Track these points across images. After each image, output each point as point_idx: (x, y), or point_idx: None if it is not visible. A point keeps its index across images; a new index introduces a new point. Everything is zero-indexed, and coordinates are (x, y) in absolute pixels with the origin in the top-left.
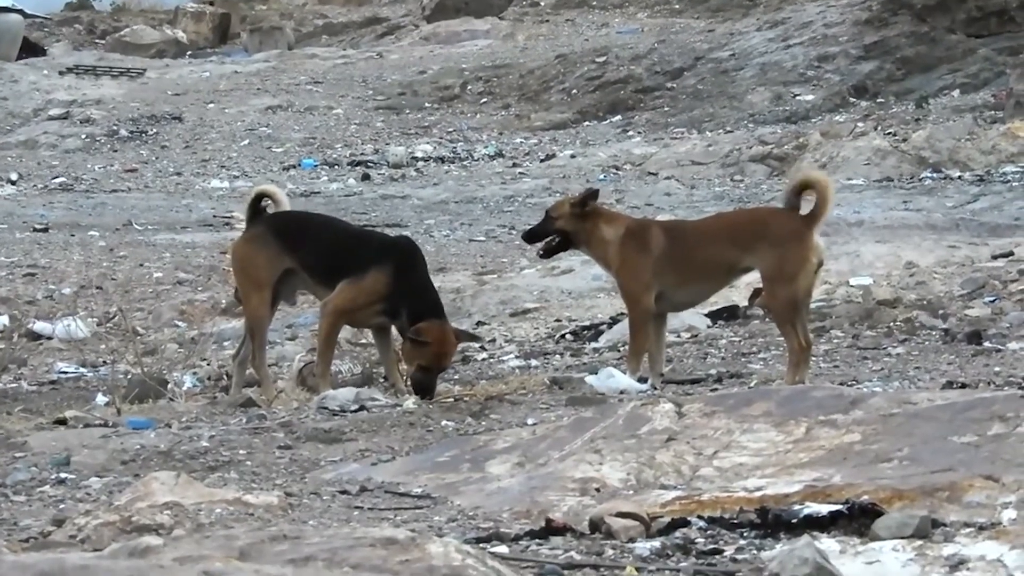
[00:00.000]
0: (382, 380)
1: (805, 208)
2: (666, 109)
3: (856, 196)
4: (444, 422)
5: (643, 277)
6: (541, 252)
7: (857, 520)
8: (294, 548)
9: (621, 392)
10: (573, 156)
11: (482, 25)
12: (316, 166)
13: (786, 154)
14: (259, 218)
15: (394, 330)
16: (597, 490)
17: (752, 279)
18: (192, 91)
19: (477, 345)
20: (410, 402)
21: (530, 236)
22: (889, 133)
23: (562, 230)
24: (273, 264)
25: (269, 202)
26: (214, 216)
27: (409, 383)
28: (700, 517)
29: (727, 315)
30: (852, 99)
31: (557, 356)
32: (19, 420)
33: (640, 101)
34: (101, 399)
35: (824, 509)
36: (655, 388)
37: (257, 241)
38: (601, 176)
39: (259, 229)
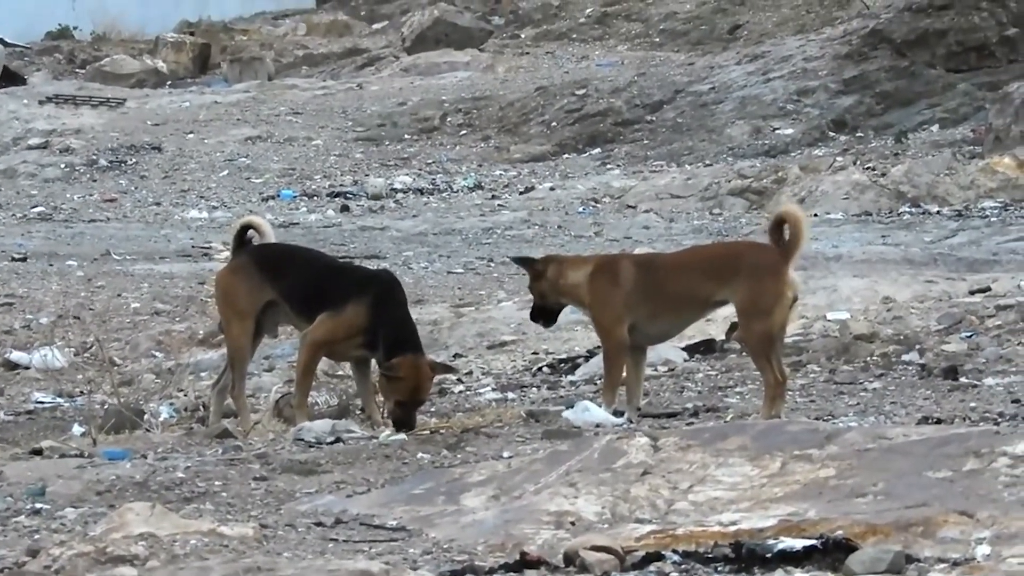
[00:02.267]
0: (359, 412)
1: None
2: (645, 142)
3: (834, 230)
4: (420, 454)
5: (615, 310)
6: (544, 325)
7: (831, 555)
8: None
9: (597, 425)
10: (552, 188)
11: (462, 57)
12: (295, 197)
13: (765, 188)
14: (243, 249)
15: (373, 362)
16: (572, 523)
17: (729, 313)
18: (172, 121)
19: (454, 377)
20: (385, 434)
21: (533, 316)
22: (868, 167)
23: (539, 295)
24: (255, 295)
25: (254, 233)
26: (193, 246)
27: (388, 417)
28: (675, 551)
29: (704, 349)
30: (831, 133)
31: (534, 389)
32: None
33: (619, 134)
34: (77, 429)
35: (798, 544)
36: (631, 422)
37: (240, 272)
38: (580, 209)
39: (242, 260)
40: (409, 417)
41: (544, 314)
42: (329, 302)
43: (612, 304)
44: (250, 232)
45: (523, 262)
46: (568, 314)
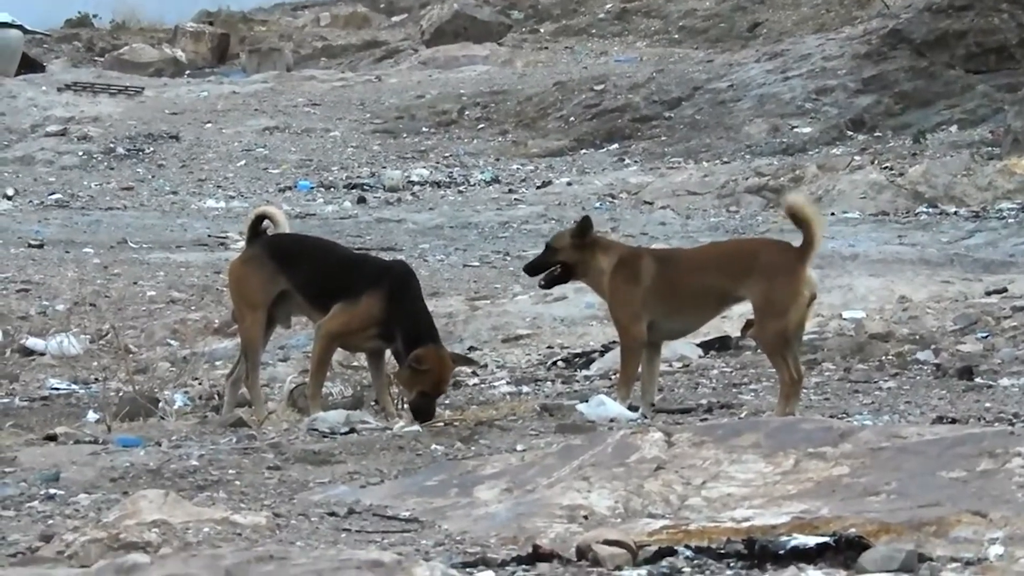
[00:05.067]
0: (372, 403)
1: (797, 240)
2: (663, 139)
3: (851, 230)
4: (433, 446)
5: (633, 305)
6: (542, 283)
7: (844, 553)
8: (280, 569)
9: (611, 420)
10: (569, 184)
11: (481, 51)
12: (312, 188)
13: (782, 186)
14: (257, 239)
15: (387, 353)
16: (585, 517)
17: (745, 310)
18: (189, 110)
19: (470, 369)
20: (399, 425)
21: (531, 269)
22: (886, 167)
23: (564, 262)
24: (268, 285)
25: (269, 223)
26: (209, 236)
27: (406, 408)
28: (687, 547)
29: (719, 345)
30: (849, 132)
31: (548, 383)
32: (9, 435)
33: (637, 130)
34: (92, 416)
35: (811, 541)
36: (645, 417)
37: (253, 262)
38: (597, 204)
39: (256, 250)
40: (431, 408)
41: (550, 278)
42: (344, 293)
43: (632, 300)
44: (265, 222)
45: (585, 226)
46: (583, 308)
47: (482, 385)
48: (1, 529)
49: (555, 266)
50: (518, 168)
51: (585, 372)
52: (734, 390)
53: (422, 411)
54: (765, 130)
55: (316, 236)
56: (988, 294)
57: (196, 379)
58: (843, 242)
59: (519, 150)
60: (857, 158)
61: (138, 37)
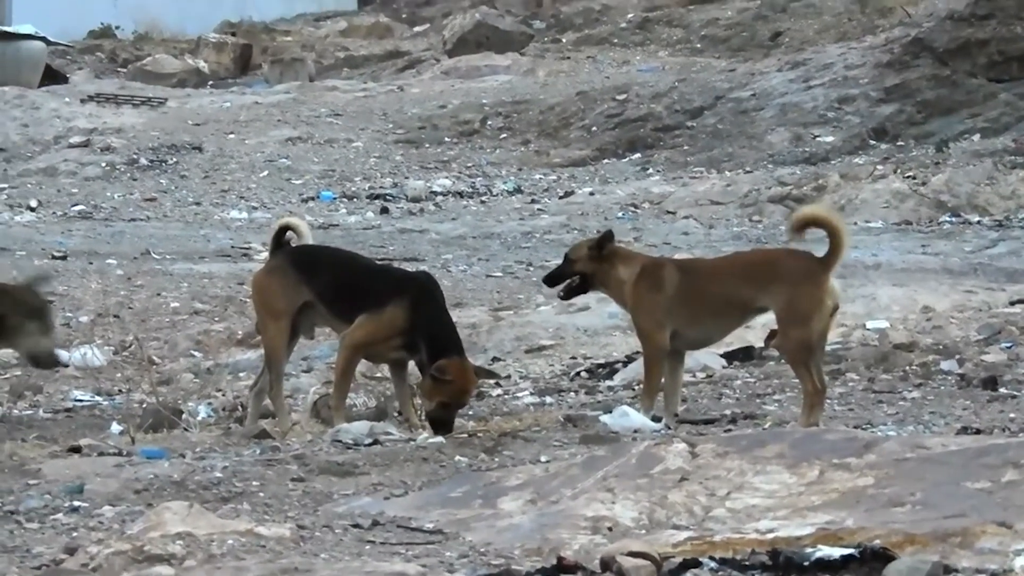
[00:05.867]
0: (396, 414)
1: (818, 250)
2: (685, 148)
3: (874, 239)
4: (457, 457)
5: (656, 315)
6: (561, 294)
7: (869, 564)
8: None
9: (635, 431)
10: (592, 193)
11: (503, 60)
12: (335, 199)
13: (805, 195)
14: (280, 250)
15: (411, 364)
16: (609, 529)
17: (768, 320)
18: (212, 121)
19: (492, 382)
20: (423, 437)
21: (550, 279)
22: (908, 176)
23: (582, 272)
24: (291, 296)
25: (292, 234)
26: (232, 247)
27: (426, 417)
28: (712, 558)
29: (742, 356)
30: (872, 141)
31: (572, 393)
32: (33, 447)
33: (659, 139)
34: (116, 428)
35: (836, 552)
36: (669, 428)
37: (276, 272)
38: (619, 214)
39: (279, 261)
40: (450, 419)
41: (573, 289)
42: (367, 303)
43: (655, 309)
44: (288, 233)
45: (606, 237)
46: (606, 319)
47: (506, 396)
48: (26, 541)
49: (574, 277)
50: (540, 178)
51: (608, 383)
52: (758, 400)
53: (440, 422)
54: (787, 139)
55: (339, 247)
56: (1012, 304)
57: (220, 390)
58: (866, 251)
59: (541, 160)
60: (880, 167)
61: (160, 48)
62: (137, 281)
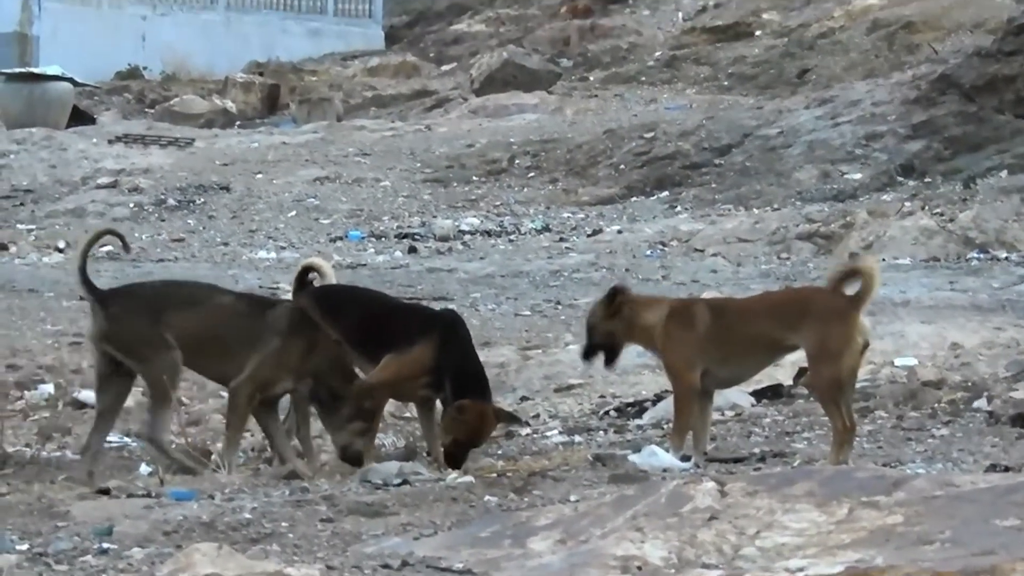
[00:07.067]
0: (425, 454)
1: (851, 289)
2: (713, 185)
3: (902, 276)
4: (487, 497)
5: (688, 354)
6: (607, 365)
7: None
8: None
9: (664, 470)
10: (620, 231)
11: (530, 99)
12: (363, 238)
13: (833, 232)
14: (304, 290)
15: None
16: (639, 568)
17: (797, 358)
18: (240, 161)
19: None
20: (452, 476)
21: (586, 355)
22: (936, 213)
23: (607, 333)
24: None
25: (315, 275)
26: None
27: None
28: None
29: (771, 394)
30: (900, 178)
31: (601, 433)
32: (62, 489)
33: (687, 177)
34: (145, 469)
35: None
36: (698, 466)
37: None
38: (647, 252)
39: (303, 301)
40: (461, 457)
41: (608, 353)
42: (393, 343)
43: (686, 349)
44: (312, 274)
45: (613, 294)
46: (635, 357)
47: (535, 435)
48: None
49: (603, 342)
50: (569, 216)
51: (638, 421)
52: (787, 438)
53: (452, 458)
54: (815, 176)
55: (363, 286)
56: None
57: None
58: (894, 288)
59: (569, 198)
60: (907, 204)
61: (188, 88)
62: None
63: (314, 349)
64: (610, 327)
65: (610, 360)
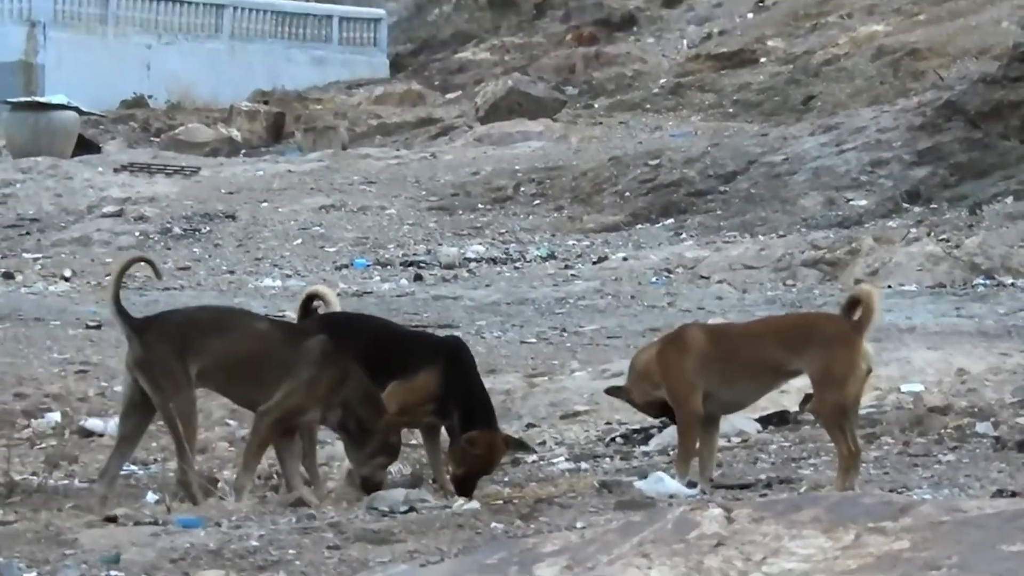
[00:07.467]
0: (431, 481)
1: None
2: (719, 212)
3: (908, 302)
4: (493, 524)
5: (687, 378)
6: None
7: None
8: None
9: (670, 496)
10: (625, 259)
11: (535, 127)
12: (368, 266)
13: (838, 259)
14: (309, 318)
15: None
16: None
17: (803, 384)
18: (245, 189)
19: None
20: (459, 503)
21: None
22: (942, 239)
23: (646, 406)
24: None
25: (320, 303)
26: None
27: (450, 479)
28: None
29: (777, 420)
30: (905, 204)
31: (607, 459)
32: (69, 517)
33: (693, 204)
34: (151, 497)
35: None
36: (704, 493)
37: None
38: (653, 279)
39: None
40: (471, 487)
41: (663, 412)
42: (398, 370)
43: (684, 373)
44: (316, 302)
45: (614, 393)
46: None
47: (541, 462)
48: None
49: (653, 412)
50: (574, 243)
51: (644, 448)
52: (793, 464)
53: (463, 487)
54: (821, 203)
55: (368, 314)
56: None
57: None
58: (900, 315)
59: (575, 225)
60: (913, 230)
61: (193, 117)
62: None
63: (346, 380)
64: (640, 396)
65: (666, 414)
